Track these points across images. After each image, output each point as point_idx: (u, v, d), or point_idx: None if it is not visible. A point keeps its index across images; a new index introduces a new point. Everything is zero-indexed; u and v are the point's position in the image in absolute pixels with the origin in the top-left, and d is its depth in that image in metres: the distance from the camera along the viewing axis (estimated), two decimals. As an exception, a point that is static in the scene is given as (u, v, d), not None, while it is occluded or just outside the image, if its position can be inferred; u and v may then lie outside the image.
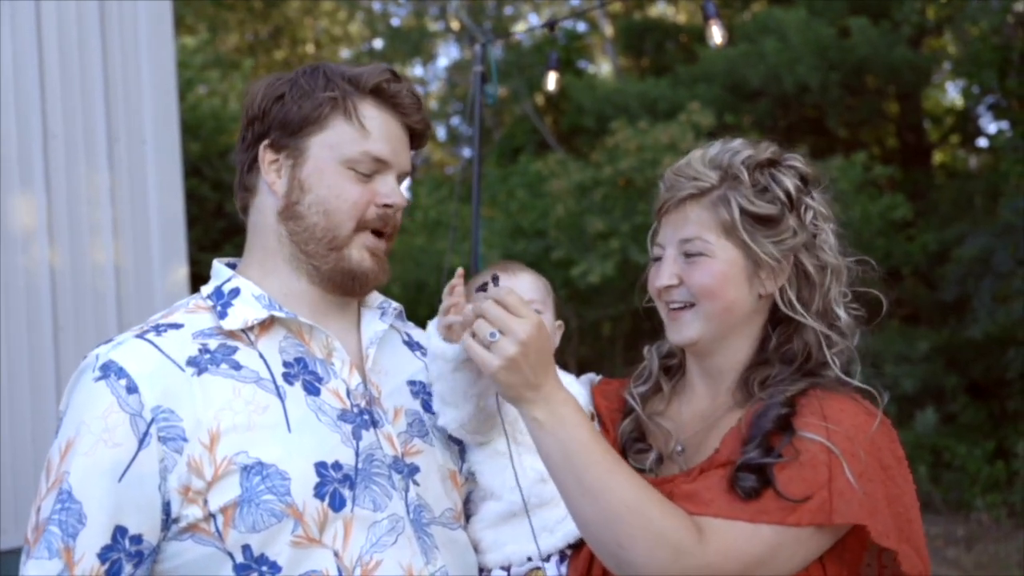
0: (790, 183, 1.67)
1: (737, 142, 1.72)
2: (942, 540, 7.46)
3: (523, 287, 1.83)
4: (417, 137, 1.72)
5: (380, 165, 1.64)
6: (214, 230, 11.18)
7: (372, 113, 1.63)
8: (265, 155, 1.63)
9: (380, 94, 1.64)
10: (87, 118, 4.39)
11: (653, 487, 1.52)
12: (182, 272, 4.71)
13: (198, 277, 5.28)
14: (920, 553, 1.56)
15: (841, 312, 1.68)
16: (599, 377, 1.91)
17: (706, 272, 1.64)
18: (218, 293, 1.64)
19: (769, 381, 1.64)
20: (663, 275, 1.68)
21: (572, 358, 10.14)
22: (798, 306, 1.67)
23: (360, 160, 1.62)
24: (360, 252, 1.63)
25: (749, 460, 1.52)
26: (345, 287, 1.65)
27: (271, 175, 1.63)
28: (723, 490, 1.51)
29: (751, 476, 1.50)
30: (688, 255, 1.66)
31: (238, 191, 1.70)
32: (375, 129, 1.63)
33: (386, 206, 1.64)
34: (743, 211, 1.64)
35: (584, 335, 10.95)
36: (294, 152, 1.62)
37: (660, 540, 1.45)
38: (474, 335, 1.50)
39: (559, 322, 1.91)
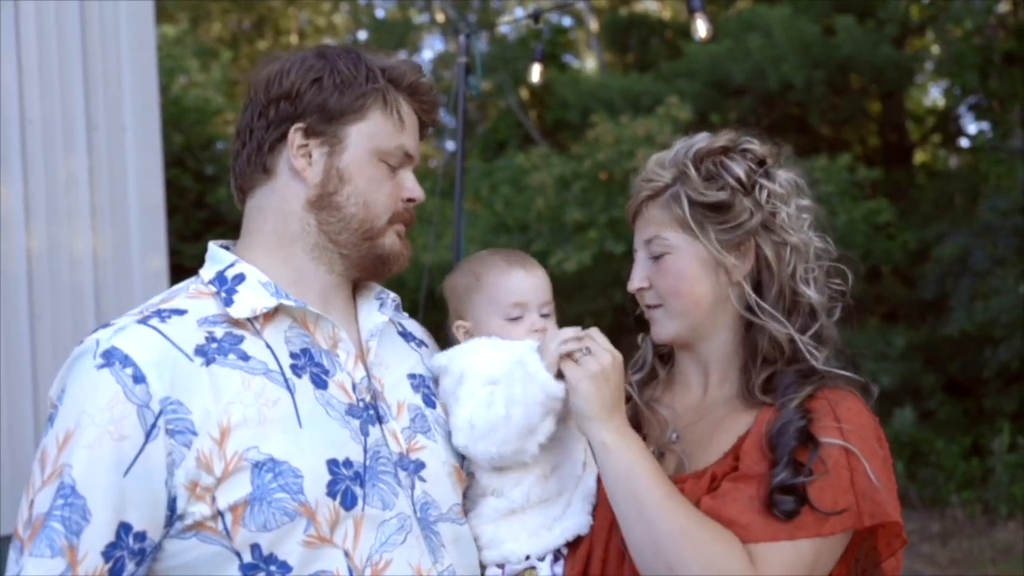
0: (740, 168, 1.68)
1: (698, 136, 1.75)
2: (917, 536, 7.53)
3: (541, 287, 1.79)
4: (423, 130, 1.71)
5: (407, 159, 1.64)
6: (195, 220, 11.11)
7: (406, 108, 1.63)
8: (295, 138, 1.57)
9: (413, 91, 1.64)
10: (66, 105, 4.33)
11: (705, 515, 1.53)
12: (161, 262, 4.66)
13: (177, 267, 5.24)
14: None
15: (810, 291, 1.67)
16: None
17: (670, 273, 1.68)
18: (221, 279, 1.57)
19: (772, 385, 1.65)
20: (634, 279, 1.73)
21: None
22: (753, 297, 1.67)
23: (393, 153, 1.61)
24: (392, 238, 1.63)
25: (782, 482, 1.52)
26: (373, 271, 1.65)
27: (300, 161, 1.57)
28: (757, 512, 1.52)
29: (788, 498, 1.51)
30: (654, 257, 1.70)
31: (249, 169, 1.61)
32: (408, 124, 1.63)
33: (409, 200, 1.64)
34: (692, 202, 1.66)
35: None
36: (331, 139, 1.57)
37: (711, 565, 1.47)
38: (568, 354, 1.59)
39: None
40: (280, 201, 1.60)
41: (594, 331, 1.61)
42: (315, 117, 1.56)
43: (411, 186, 1.65)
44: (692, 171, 1.67)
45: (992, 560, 6.99)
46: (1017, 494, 7.80)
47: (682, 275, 1.67)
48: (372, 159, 1.59)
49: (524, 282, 1.77)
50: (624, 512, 1.54)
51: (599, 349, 1.58)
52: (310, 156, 1.58)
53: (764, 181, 1.68)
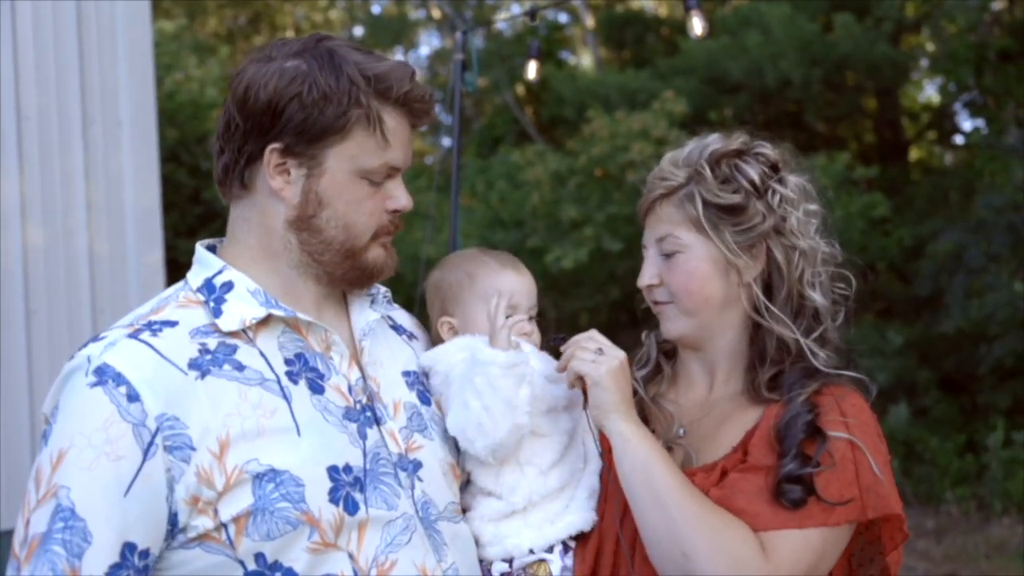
0: (755, 171, 1.71)
1: (711, 137, 1.77)
2: (912, 532, 7.51)
3: (532, 291, 1.82)
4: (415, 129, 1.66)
5: (393, 172, 1.58)
6: (191, 216, 11.08)
7: (393, 123, 1.55)
8: (271, 158, 1.51)
9: (405, 101, 1.56)
10: (62, 100, 4.32)
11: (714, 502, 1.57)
12: (157, 257, 4.66)
13: (174, 262, 5.21)
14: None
15: (816, 295, 1.71)
16: None
17: (682, 272, 1.70)
18: (209, 286, 1.54)
19: (778, 382, 1.68)
20: (644, 275, 1.76)
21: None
22: (763, 299, 1.70)
23: (377, 171, 1.55)
24: (375, 252, 1.59)
25: (790, 472, 1.56)
26: (358, 284, 1.63)
27: (277, 180, 1.52)
28: (766, 501, 1.56)
29: (796, 487, 1.55)
30: (665, 255, 1.72)
31: (229, 180, 1.57)
32: (394, 139, 1.55)
33: (395, 211, 1.60)
34: (707, 203, 1.69)
35: (562, 326, 10.95)
36: (309, 162, 1.51)
37: (725, 551, 1.51)
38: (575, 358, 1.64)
39: None
40: (261, 216, 1.57)
41: (594, 332, 1.68)
42: (293, 138, 1.50)
43: (398, 195, 1.59)
44: (707, 172, 1.70)
45: (986, 556, 7.02)
46: (1011, 490, 7.82)
47: (693, 274, 1.70)
48: (353, 179, 1.54)
49: (518, 284, 1.80)
50: (640, 500, 1.57)
51: (611, 347, 1.64)
52: (288, 174, 1.52)
53: (777, 186, 1.71)
